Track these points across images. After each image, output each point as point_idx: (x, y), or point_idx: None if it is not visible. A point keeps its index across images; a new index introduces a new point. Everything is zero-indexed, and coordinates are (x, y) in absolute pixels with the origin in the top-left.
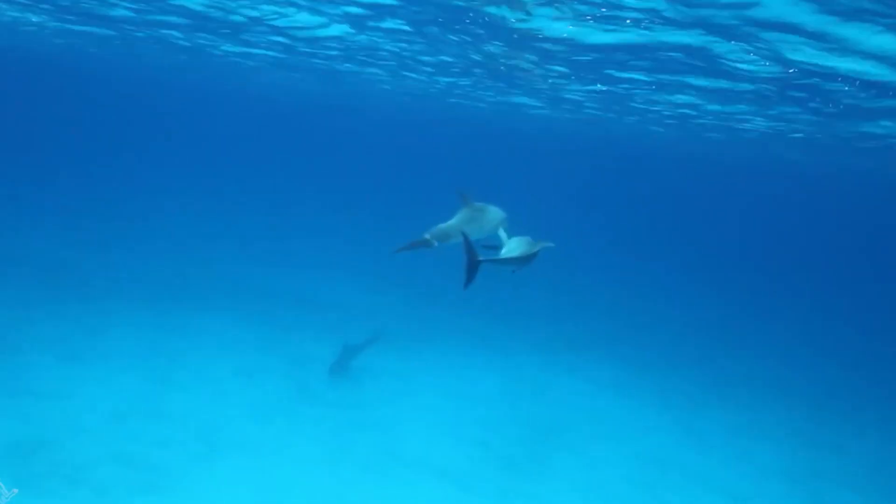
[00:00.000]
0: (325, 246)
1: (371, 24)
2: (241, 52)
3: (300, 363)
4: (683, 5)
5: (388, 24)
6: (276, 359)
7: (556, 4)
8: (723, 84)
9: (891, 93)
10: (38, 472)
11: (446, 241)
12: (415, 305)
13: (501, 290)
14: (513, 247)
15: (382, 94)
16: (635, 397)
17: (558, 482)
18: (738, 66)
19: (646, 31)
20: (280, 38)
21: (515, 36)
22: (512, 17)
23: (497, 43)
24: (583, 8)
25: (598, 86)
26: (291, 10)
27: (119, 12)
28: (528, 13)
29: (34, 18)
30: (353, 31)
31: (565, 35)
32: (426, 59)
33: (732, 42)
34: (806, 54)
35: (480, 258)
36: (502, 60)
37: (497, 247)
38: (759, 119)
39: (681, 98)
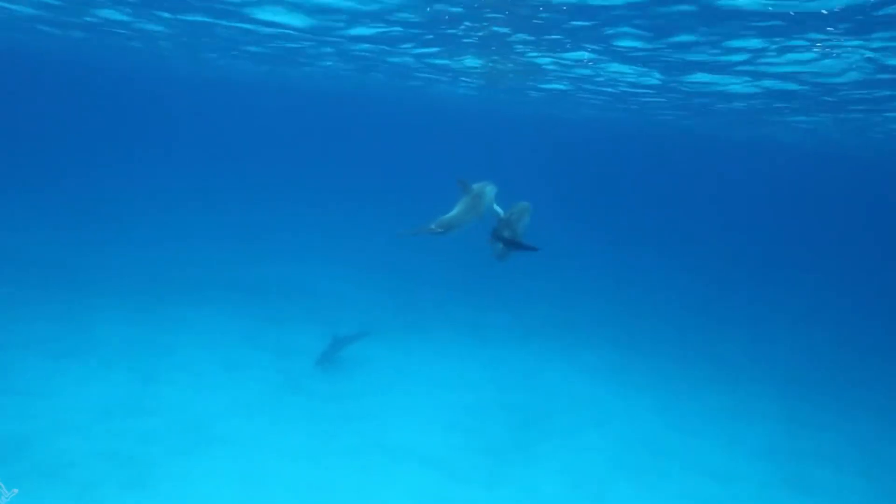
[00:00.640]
0: (312, 238)
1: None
2: (227, 40)
3: (287, 355)
4: None
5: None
6: (263, 351)
7: None
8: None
9: None
10: (24, 470)
11: (450, 232)
12: (402, 296)
13: (489, 279)
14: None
15: (371, 84)
16: (622, 382)
17: (545, 467)
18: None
19: None
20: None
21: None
22: None
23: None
24: None
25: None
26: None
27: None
28: None
29: (27, 10)
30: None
31: None
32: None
33: None
34: None
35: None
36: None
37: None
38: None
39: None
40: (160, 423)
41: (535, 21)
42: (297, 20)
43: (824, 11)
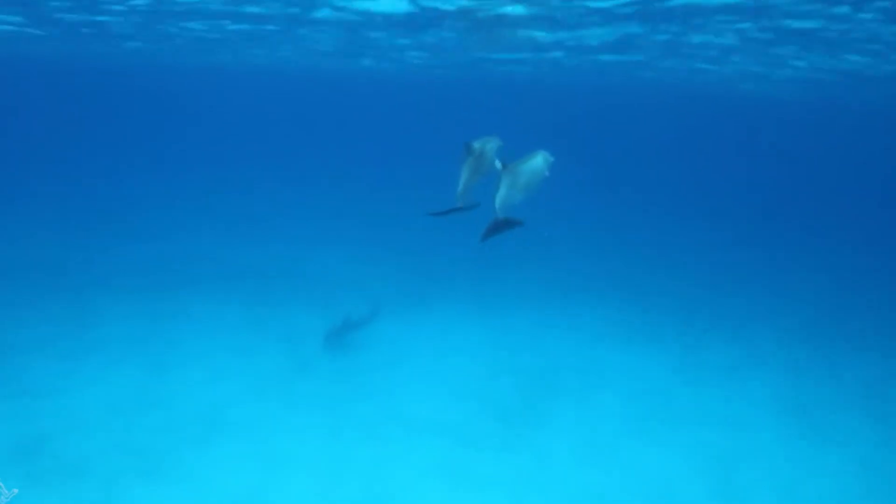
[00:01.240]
0: (310, 222)
1: None
2: (206, 27)
3: (294, 338)
4: None
5: None
6: (269, 336)
7: None
8: None
9: None
10: (44, 468)
11: (469, 199)
12: (405, 272)
13: (489, 250)
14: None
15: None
16: (628, 340)
17: (557, 428)
18: None
19: None
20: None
21: None
22: None
23: None
24: None
25: None
26: None
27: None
28: None
29: (13, 18)
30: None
31: None
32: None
33: None
34: None
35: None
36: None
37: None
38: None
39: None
40: (173, 413)
41: None
42: None
43: None
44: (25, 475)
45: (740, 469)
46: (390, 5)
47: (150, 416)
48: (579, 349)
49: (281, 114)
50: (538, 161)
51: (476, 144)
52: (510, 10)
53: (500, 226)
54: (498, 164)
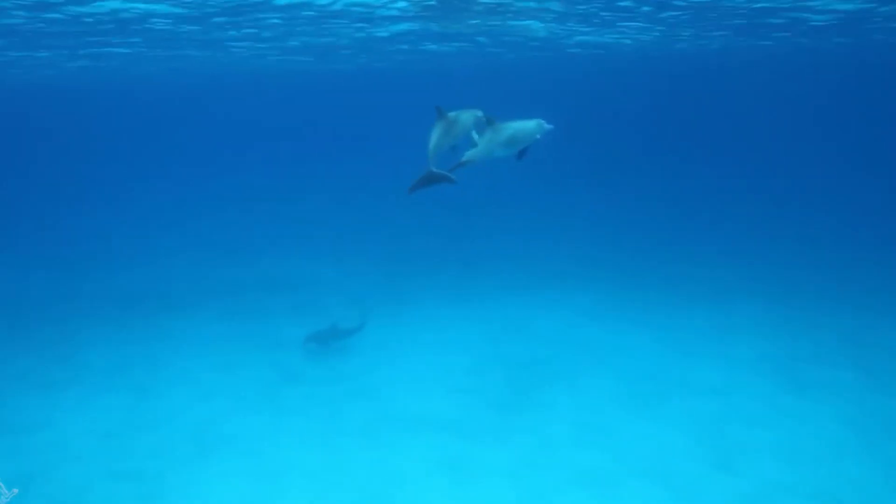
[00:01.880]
0: (284, 231)
1: None
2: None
3: (279, 347)
4: None
5: None
6: (254, 348)
7: None
8: None
9: None
10: None
11: (439, 155)
12: (385, 271)
13: (469, 240)
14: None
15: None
16: (614, 318)
17: (552, 412)
18: None
19: None
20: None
21: None
22: None
23: None
24: None
25: None
26: None
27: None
28: None
29: None
30: None
31: None
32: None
33: None
34: None
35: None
36: None
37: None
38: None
39: None
40: (163, 435)
41: None
42: None
43: None
44: None
45: (732, 432)
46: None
47: (140, 440)
48: (568, 332)
49: (249, 124)
50: (530, 124)
51: (451, 113)
52: None
53: (430, 179)
54: (475, 136)
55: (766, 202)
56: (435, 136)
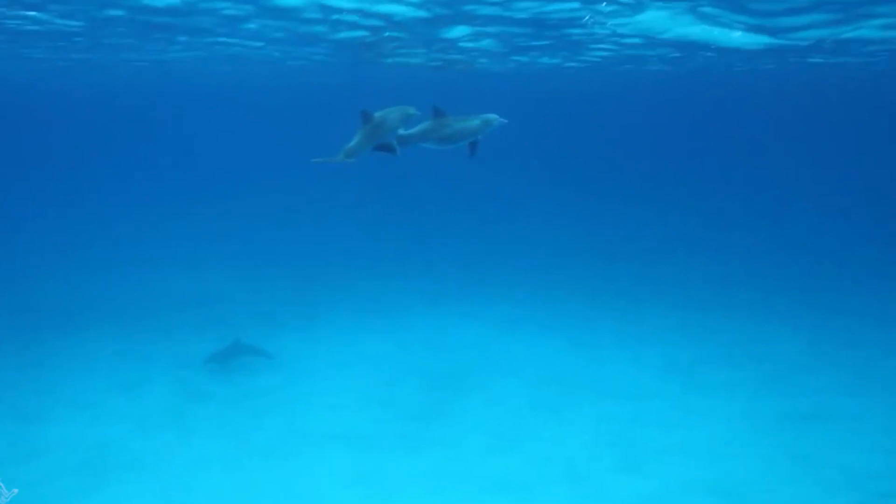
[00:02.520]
0: (191, 245)
1: None
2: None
3: (185, 365)
4: None
5: None
6: (156, 367)
7: None
8: None
9: None
10: None
11: (355, 156)
12: (297, 285)
13: (385, 252)
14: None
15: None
16: (529, 329)
17: (466, 423)
18: None
19: None
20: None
21: None
22: None
23: None
24: None
25: None
26: None
27: None
28: None
29: None
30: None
31: None
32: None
33: None
34: None
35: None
36: None
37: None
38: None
39: None
40: (56, 462)
41: None
42: None
43: None
44: None
45: (640, 432)
46: None
47: (29, 467)
48: (483, 343)
49: (148, 133)
50: (474, 122)
51: (378, 114)
52: None
53: (384, 146)
54: (401, 132)
55: (682, 214)
56: (357, 138)
